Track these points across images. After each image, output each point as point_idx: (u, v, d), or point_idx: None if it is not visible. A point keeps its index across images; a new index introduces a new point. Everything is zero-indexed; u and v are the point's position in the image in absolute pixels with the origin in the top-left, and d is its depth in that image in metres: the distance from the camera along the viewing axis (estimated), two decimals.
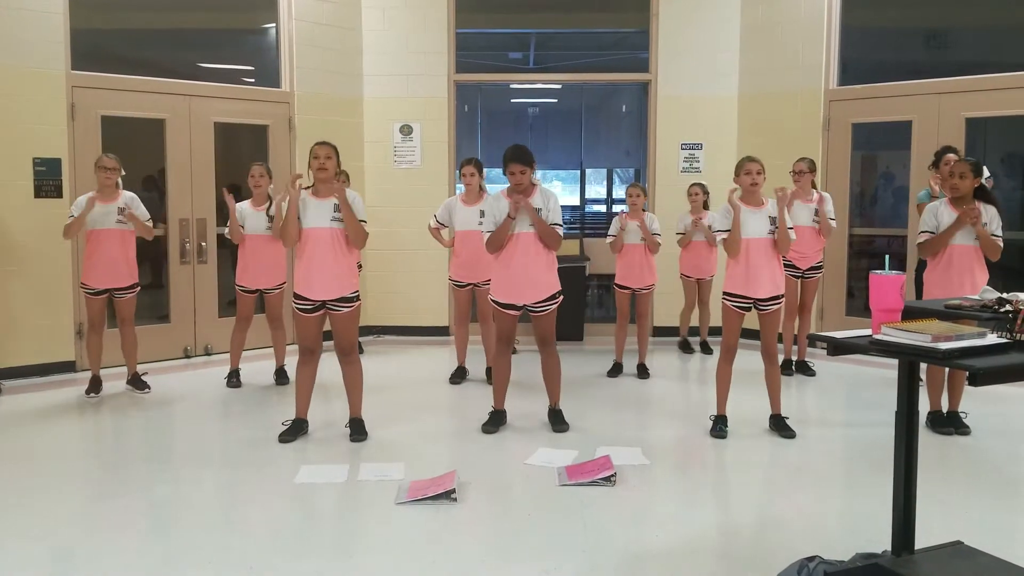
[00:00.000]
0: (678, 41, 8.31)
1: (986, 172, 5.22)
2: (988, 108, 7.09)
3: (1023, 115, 6.97)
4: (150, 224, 6.05)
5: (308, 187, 4.86)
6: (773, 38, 8.05)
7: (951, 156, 5.81)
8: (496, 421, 5.20)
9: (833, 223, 6.52)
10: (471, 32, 8.91)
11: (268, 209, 6.14)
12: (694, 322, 7.75)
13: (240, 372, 6.43)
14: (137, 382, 6.18)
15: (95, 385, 6.04)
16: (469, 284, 6.37)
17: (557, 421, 5.19)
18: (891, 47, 8.39)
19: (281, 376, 6.49)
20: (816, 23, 7.77)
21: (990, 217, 4.92)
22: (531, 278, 4.98)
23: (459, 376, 6.55)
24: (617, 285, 6.69)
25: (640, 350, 6.78)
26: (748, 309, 4.98)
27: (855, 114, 7.70)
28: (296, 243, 4.80)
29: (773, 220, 4.87)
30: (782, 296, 5.01)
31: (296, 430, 4.98)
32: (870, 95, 7.63)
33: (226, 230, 6.32)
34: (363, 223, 4.82)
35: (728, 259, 5.03)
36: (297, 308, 4.87)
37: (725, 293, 5.01)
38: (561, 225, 5.03)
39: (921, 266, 5.77)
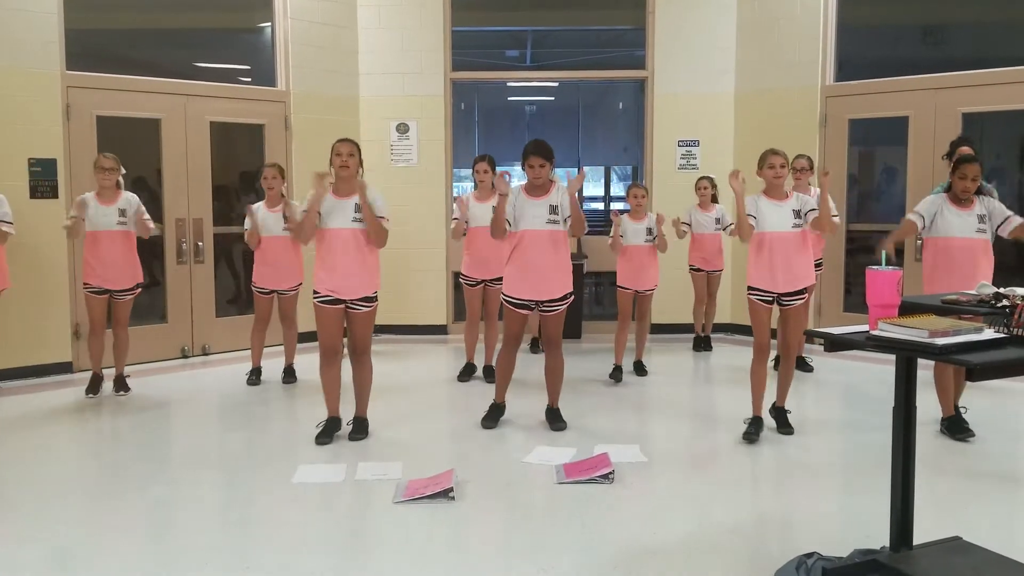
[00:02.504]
0: (675, 38, 8.30)
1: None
2: (984, 103, 7.09)
3: (1019, 110, 6.97)
4: (149, 223, 6.00)
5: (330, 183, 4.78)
6: (770, 35, 8.04)
7: (965, 149, 5.66)
8: (494, 415, 5.22)
9: (836, 219, 6.32)
10: (467, 30, 8.89)
11: (284, 209, 6.10)
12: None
13: (261, 371, 6.42)
14: (120, 383, 6.13)
15: (95, 385, 6.01)
16: (480, 282, 6.37)
17: (555, 419, 5.18)
18: (887, 43, 8.38)
19: (289, 375, 6.45)
20: (812, 19, 7.76)
21: (991, 209, 4.86)
22: (546, 275, 4.94)
23: (467, 373, 6.53)
24: (619, 286, 6.62)
25: (638, 348, 6.76)
26: (772, 302, 4.85)
27: (852, 110, 7.69)
28: (310, 239, 4.77)
29: (797, 213, 4.75)
30: (805, 292, 4.89)
31: (331, 430, 4.88)
32: (867, 91, 7.63)
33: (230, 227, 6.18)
34: (383, 220, 4.77)
35: (749, 253, 4.89)
36: (319, 302, 4.76)
37: (749, 288, 4.89)
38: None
39: None
